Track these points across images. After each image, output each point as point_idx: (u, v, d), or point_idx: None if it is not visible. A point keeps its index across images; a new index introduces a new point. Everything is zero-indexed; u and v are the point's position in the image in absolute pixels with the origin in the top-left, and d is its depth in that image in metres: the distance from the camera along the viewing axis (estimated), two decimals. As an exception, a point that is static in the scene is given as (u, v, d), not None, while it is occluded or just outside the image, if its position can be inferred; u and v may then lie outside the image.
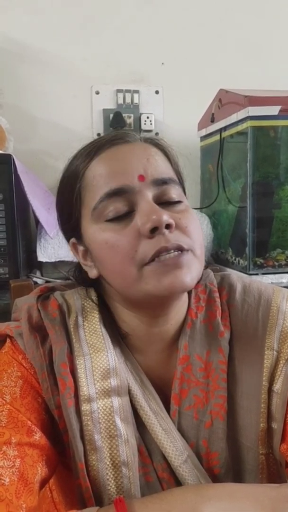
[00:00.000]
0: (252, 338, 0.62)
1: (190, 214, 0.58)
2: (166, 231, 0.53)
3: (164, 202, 0.57)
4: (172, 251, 0.54)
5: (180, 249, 0.54)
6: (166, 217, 0.53)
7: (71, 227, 0.62)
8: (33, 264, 1.33)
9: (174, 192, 0.58)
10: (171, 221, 0.54)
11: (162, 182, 0.57)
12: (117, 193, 0.55)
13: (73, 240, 0.63)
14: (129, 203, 0.56)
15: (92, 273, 0.62)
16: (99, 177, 0.57)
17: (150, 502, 0.48)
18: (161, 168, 0.58)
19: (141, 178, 0.56)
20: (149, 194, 0.56)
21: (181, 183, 0.63)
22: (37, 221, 1.29)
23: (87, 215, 0.58)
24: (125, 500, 0.48)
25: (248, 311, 0.64)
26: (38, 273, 1.29)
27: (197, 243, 0.57)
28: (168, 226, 0.53)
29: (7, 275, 1.16)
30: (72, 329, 0.60)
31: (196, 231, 0.57)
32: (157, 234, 0.53)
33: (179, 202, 0.58)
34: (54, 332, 0.59)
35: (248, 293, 0.65)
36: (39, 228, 1.29)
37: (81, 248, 0.62)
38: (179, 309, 0.62)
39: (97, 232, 0.57)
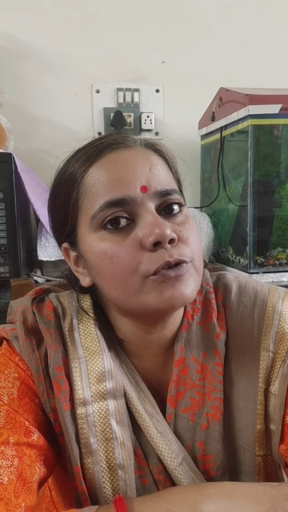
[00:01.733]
0: (248, 339, 0.62)
1: (190, 225, 0.57)
2: (168, 246, 0.52)
3: (165, 213, 0.56)
4: (174, 264, 0.53)
5: (182, 262, 0.53)
6: (169, 231, 0.52)
7: (65, 232, 0.60)
8: (34, 263, 1.34)
9: (176, 203, 0.57)
10: (174, 235, 0.53)
11: (165, 194, 0.55)
12: (118, 204, 0.53)
13: (65, 245, 0.62)
14: (130, 213, 0.54)
15: (85, 281, 0.60)
16: (100, 185, 0.55)
17: (150, 501, 0.49)
18: (164, 178, 0.56)
19: (144, 189, 0.54)
20: (152, 205, 0.54)
21: (180, 189, 0.62)
22: (38, 220, 1.29)
23: (84, 223, 0.56)
24: (125, 499, 0.48)
25: (243, 312, 0.63)
26: (38, 272, 1.30)
27: (197, 254, 0.56)
28: (171, 241, 0.52)
29: (7, 274, 1.16)
30: (67, 332, 0.60)
31: (196, 243, 0.56)
32: (159, 248, 0.52)
33: (180, 212, 0.57)
34: (49, 335, 0.59)
35: (243, 293, 0.65)
36: (39, 227, 1.29)
37: (73, 254, 0.61)
38: (177, 315, 0.62)
39: (95, 241, 0.55)
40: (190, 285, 0.54)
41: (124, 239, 0.53)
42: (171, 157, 0.61)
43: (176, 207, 0.56)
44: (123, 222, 0.54)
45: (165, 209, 0.56)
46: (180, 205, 0.57)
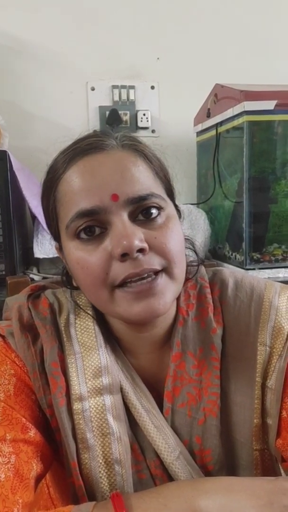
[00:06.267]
0: (245, 334, 0.62)
1: (169, 229, 0.54)
2: (138, 254, 0.51)
3: (143, 217, 0.54)
4: (146, 274, 0.52)
5: (154, 272, 0.52)
6: (137, 242, 0.50)
7: (53, 233, 0.61)
8: (30, 261, 1.34)
9: (153, 206, 0.54)
10: (143, 245, 0.51)
11: (139, 200, 0.53)
12: (88, 214, 0.52)
13: (56, 245, 0.63)
14: (101, 222, 0.53)
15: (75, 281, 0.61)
16: (71, 194, 0.54)
17: (147, 496, 0.49)
18: (138, 183, 0.54)
19: (114, 197, 0.52)
20: (123, 213, 0.53)
21: (167, 186, 0.60)
22: (33, 218, 1.29)
23: (63, 230, 0.56)
24: (122, 495, 0.48)
25: (240, 307, 0.63)
26: (34, 270, 1.29)
27: (175, 261, 0.54)
28: (140, 250, 0.51)
29: (3, 272, 1.16)
30: (63, 328, 0.60)
31: (174, 248, 0.54)
32: (128, 258, 0.51)
33: (159, 215, 0.55)
34: (45, 331, 0.59)
35: (240, 288, 0.65)
36: (35, 224, 1.29)
37: (64, 253, 0.61)
38: (167, 314, 0.61)
39: (71, 250, 0.55)
40: (164, 297, 0.53)
41: (95, 249, 0.53)
42: (153, 156, 0.59)
43: (154, 211, 0.54)
44: (97, 230, 0.53)
45: (143, 213, 0.54)
46: (159, 208, 0.55)
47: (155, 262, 0.52)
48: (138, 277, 0.52)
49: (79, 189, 0.53)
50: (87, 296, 0.59)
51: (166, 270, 0.54)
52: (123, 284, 0.52)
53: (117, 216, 0.52)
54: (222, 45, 1.64)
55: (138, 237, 0.51)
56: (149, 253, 0.52)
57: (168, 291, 0.54)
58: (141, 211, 0.54)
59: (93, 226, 0.53)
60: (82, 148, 0.55)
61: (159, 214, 0.55)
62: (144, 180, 0.55)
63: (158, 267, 0.53)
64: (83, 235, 0.54)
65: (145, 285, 0.52)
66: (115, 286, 0.53)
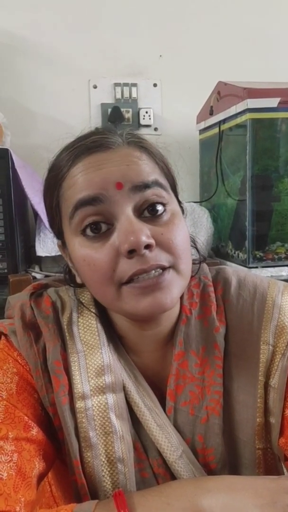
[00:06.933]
0: (248, 333, 0.61)
1: (175, 225, 0.55)
2: (145, 251, 0.51)
3: (149, 213, 0.54)
4: (153, 271, 0.52)
5: (161, 268, 0.52)
6: (144, 238, 0.50)
7: (56, 231, 0.61)
8: (32, 259, 1.34)
9: (158, 201, 0.54)
10: (151, 241, 0.51)
11: (143, 187, 0.53)
12: (90, 202, 0.52)
13: (59, 242, 0.63)
14: (107, 216, 0.53)
15: (78, 279, 0.61)
16: (74, 186, 0.54)
17: (150, 494, 0.49)
18: (144, 172, 0.54)
19: (119, 185, 0.52)
20: (129, 206, 0.52)
21: (171, 182, 0.60)
22: (36, 216, 1.29)
23: (67, 225, 0.56)
24: (124, 494, 0.48)
25: (243, 305, 0.63)
26: (37, 268, 1.29)
27: (181, 257, 0.54)
28: (147, 247, 0.51)
29: (5, 270, 1.16)
30: (65, 327, 0.60)
31: (181, 244, 0.54)
32: (135, 254, 0.51)
33: (164, 211, 0.55)
34: (48, 329, 0.59)
35: (243, 287, 0.65)
36: (37, 223, 1.29)
37: (67, 251, 0.60)
38: (171, 312, 0.61)
39: (76, 246, 0.55)
40: (170, 293, 0.53)
41: (102, 246, 0.53)
42: (158, 153, 0.59)
43: (160, 207, 0.54)
44: (104, 227, 0.53)
45: (149, 210, 0.54)
46: (163, 204, 0.55)
47: (162, 259, 0.52)
48: (145, 273, 0.52)
49: (83, 180, 0.53)
50: (92, 293, 0.59)
51: (173, 266, 0.54)
52: (130, 280, 0.52)
53: (123, 210, 0.52)
54: (224, 42, 1.63)
55: (145, 233, 0.51)
56: (155, 249, 0.52)
57: (175, 286, 0.54)
58: (147, 207, 0.54)
59: (99, 222, 0.53)
60: (88, 146, 0.55)
61: (164, 210, 0.55)
62: (149, 171, 0.55)
63: (166, 264, 0.53)
64: (89, 233, 0.54)
65: (152, 280, 0.52)
66: (122, 283, 0.53)
